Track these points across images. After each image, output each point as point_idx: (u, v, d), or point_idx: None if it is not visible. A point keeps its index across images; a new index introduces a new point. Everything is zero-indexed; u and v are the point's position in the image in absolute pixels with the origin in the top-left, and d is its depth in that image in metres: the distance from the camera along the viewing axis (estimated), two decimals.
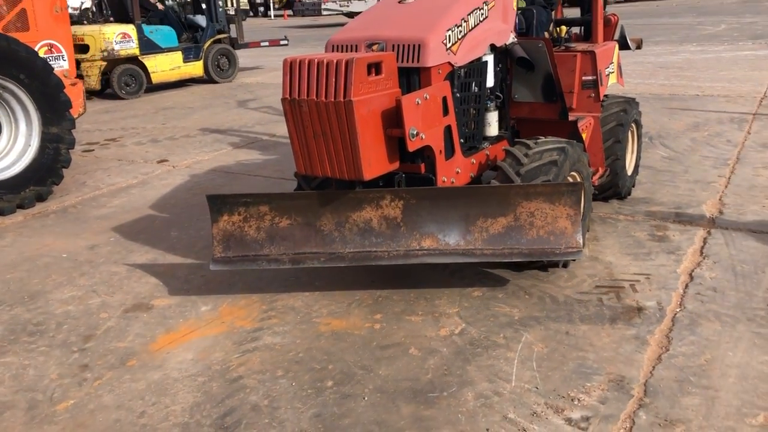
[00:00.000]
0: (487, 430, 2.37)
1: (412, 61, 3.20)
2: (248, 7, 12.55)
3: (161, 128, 8.12)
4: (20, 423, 2.56)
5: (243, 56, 12.41)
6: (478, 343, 2.92)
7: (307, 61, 2.98)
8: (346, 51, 3.31)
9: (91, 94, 10.65)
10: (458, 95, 3.44)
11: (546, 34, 4.29)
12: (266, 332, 3.13)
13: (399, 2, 3.55)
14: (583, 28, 4.71)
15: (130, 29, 10.36)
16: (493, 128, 3.77)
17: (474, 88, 3.57)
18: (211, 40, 11.52)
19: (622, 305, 3.19)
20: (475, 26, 3.46)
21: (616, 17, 4.71)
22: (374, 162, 3.03)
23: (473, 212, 3.16)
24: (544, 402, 2.50)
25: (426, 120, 3.14)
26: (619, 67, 4.66)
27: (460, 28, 3.34)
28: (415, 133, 3.06)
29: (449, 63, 3.31)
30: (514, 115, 3.99)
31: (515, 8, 3.82)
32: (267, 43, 13.22)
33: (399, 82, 3.15)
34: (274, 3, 33.58)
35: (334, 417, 2.49)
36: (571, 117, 3.92)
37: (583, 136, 3.94)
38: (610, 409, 2.44)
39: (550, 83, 3.78)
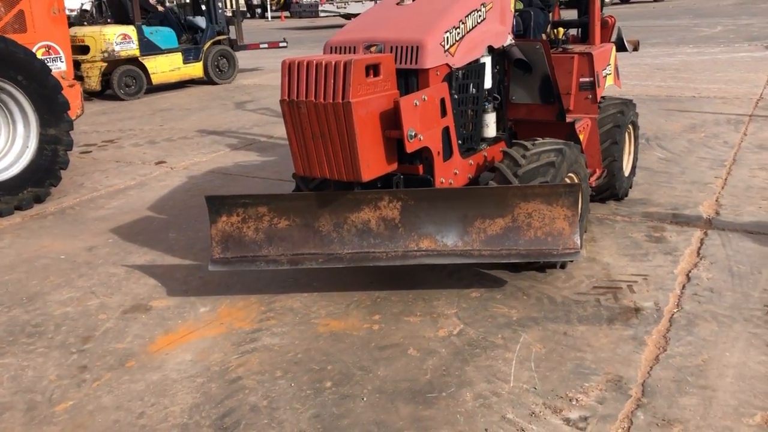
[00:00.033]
0: (486, 430, 2.38)
1: (411, 63, 3.21)
2: (245, 9, 12.55)
3: (159, 130, 8.12)
4: (19, 424, 2.56)
5: (241, 58, 12.43)
6: (476, 344, 2.93)
7: (305, 63, 2.99)
8: (345, 53, 3.32)
9: (91, 95, 10.71)
10: (456, 97, 3.45)
11: (543, 36, 4.30)
12: (265, 333, 3.13)
13: (397, 4, 3.57)
14: (580, 29, 4.72)
15: (130, 30, 10.39)
16: (490, 130, 3.78)
17: (472, 89, 3.58)
18: (211, 41, 11.54)
19: (620, 306, 3.20)
20: (472, 28, 3.47)
21: (613, 19, 4.73)
22: (373, 163, 3.04)
23: (471, 213, 3.17)
24: (543, 402, 2.51)
25: (424, 121, 3.15)
26: (616, 68, 4.68)
27: (458, 29, 3.35)
28: (413, 134, 3.07)
29: (447, 65, 3.32)
30: (511, 116, 4.01)
31: (513, 10, 3.84)
32: (266, 45, 13.25)
33: (397, 83, 3.16)
34: (271, 4, 33.58)
35: (333, 417, 2.50)
36: (569, 118, 3.94)
37: (581, 137, 3.96)
38: (608, 409, 2.45)
39: (548, 85, 3.79)
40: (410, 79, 3.26)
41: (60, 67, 5.99)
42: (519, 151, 3.44)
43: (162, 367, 2.90)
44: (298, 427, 2.46)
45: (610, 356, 2.79)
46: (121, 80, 10.40)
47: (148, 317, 3.36)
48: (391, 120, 3.06)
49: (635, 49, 5.27)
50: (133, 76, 10.57)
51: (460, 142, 3.51)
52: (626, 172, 4.60)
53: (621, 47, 4.82)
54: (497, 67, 3.79)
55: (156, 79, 10.84)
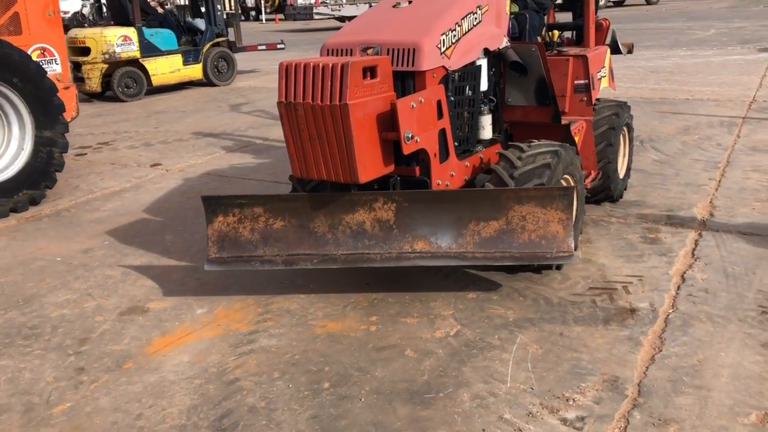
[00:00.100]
0: (483, 430, 2.39)
1: (407, 65, 3.22)
2: (240, 11, 12.57)
3: (154, 132, 8.11)
4: (17, 426, 2.56)
5: (238, 60, 12.44)
6: (473, 345, 2.94)
7: (302, 65, 3.00)
8: (342, 55, 3.33)
9: (91, 96, 10.75)
10: (452, 99, 3.46)
11: (539, 39, 4.33)
12: (262, 335, 3.14)
13: (393, 6, 3.58)
14: (575, 32, 4.75)
15: (131, 32, 10.41)
16: (486, 131, 3.80)
17: (468, 91, 3.60)
18: (210, 43, 11.58)
19: (615, 307, 3.22)
20: (468, 30, 3.49)
21: (607, 22, 4.76)
22: (369, 165, 3.06)
23: (465, 215, 3.18)
24: (540, 402, 2.53)
25: (421, 123, 3.17)
26: (611, 71, 4.71)
27: (454, 32, 3.37)
28: (410, 136, 3.08)
29: (443, 67, 3.34)
30: (507, 118, 4.03)
31: (508, 13, 3.86)
32: (264, 47, 13.30)
33: (394, 85, 3.17)
34: (265, 7, 33.56)
35: (331, 418, 2.50)
36: (564, 120, 3.96)
37: (576, 139, 3.98)
38: (604, 409, 2.47)
39: (543, 87, 3.81)
40: (407, 82, 3.27)
41: (55, 69, 5.98)
42: (515, 153, 3.45)
43: (159, 368, 2.90)
44: (297, 427, 2.46)
45: (606, 356, 2.80)
46: (122, 82, 10.43)
47: (145, 319, 3.36)
48: (388, 122, 3.07)
49: (629, 51, 5.29)
50: (134, 77, 10.61)
51: (456, 144, 3.53)
52: (621, 173, 4.63)
53: (615, 50, 4.84)
54: (493, 69, 3.81)
55: (156, 81, 10.88)
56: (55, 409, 2.65)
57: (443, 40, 3.30)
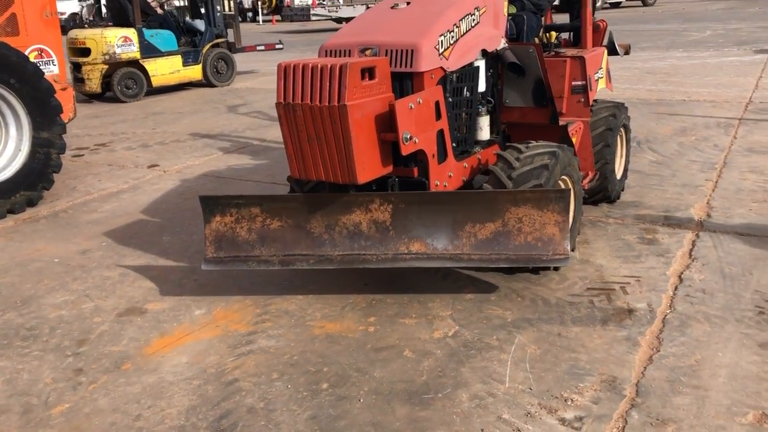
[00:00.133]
0: (482, 430, 2.40)
1: (405, 66, 3.23)
2: (238, 13, 12.56)
3: (151, 133, 8.11)
4: (15, 427, 2.56)
5: (236, 61, 12.45)
6: (471, 345, 2.95)
7: (301, 66, 3.01)
8: (340, 56, 3.33)
9: (91, 97, 10.77)
10: (450, 100, 3.47)
11: (536, 40, 4.34)
12: (261, 335, 3.14)
13: (392, 8, 3.59)
14: (572, 33, 4.76)
15: (131, 33, 10.43)
16: (484, 132, 3.80)
17: (466, 92, 3.60)
18: (210, 44, 11.60)
19: (613, 307, 3.23)
20: (467, 32, 3.50)
21: (604, 23, 4.77)
22: (368, 166, 3.06)
23: (461, 217, 3.18)
24: (538, 402, 2.53)
25: (419, 124, 3.17)
26: (608, 72, 4.72)
27: (452, 33, 3.38)
28: (408, 137, 3.09)
29: (442, 68, 3.34)
30: (505, 119, 4.04)
31: (506, 14, 3.87)
32: (263, 47, 13.35)
33: (392, 86, 3.18)
34: (262, 8, 33.56)
35: (330, 419, 2.51)
36: (562, 121, 3.97)
37: (573, 140, 3.99)
38: (602, 409, 2.48)
39: (541, 88, 3.82)
40: (405, 83, 3.28)
41: (52, 70, 5.98)
42: (513, 153, 3.46)
43: (158, 369, 2.90)
44: (295, 428, 2.47)
45: (604, 357, 2.81)
46: (122, 82, 10.45)
47: (143, 320, 3.36)
48: (387, 123, 3.08)
49: (626, 53, 5.31)
50: (134, 78, 10.63)
51: (454, 144, 3.53)
52: (618, 174, 4.64)
53: (612, 51, 4.86)
54: (491, 70, 3.82)
55: (156, 82, 10.90)
56: (54, 410, 2.64)
57: (441, 41, 3.30)
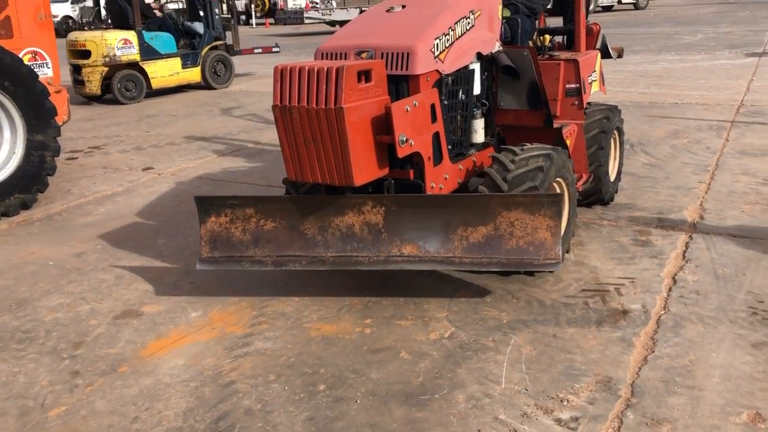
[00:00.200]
0: (479, 431, 2.41)
1: (401, 69, 3.24)
2: (232, 15, 12.56)
3: (145, 136, 8.10)
4: (12, 430, 2.55)
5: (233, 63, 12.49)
6: (467, 347, 2.96)
7: (297, 69, 3.02)
8: (336, 59, 3.35)
9: (91, 99, 10.79)
10: (446, 102, 3.49)
11: (530, 43, 4.36)
12: (257, 337, 3.15)
13: (387, 11, 3.61)
14: (565, 37, 4.79)
15: (131, 35, 10.46)
16: (479, 135, 3.83)
17: (461, 95, 3.62)
18: (208, 46, 11.63)
19: (608, 308, 3.25)
20: (462, 35, 3.52)
21: (597, 26, 4.80)
22: (364, 168, 3.07)
23: (454, 221, 3.19)
24: (534, 403, 2.55)
25: (415, 127, 3.19)
26: (601, 75, 4.75)
27: (447, 36, 3.40)
28: (404, 139, 3.10)
29: (437, 71, 3.36)
30: (499, 122, 4.06)
31: (500, 17, 3.89)
32: (260, 50, 13.43)
33: (388, 89, 3.19)
34: (255, 11, 33.53)
35: (327, 420, 2.52)
36: (556, 124, 3.99)
37: (568, 142, 4.01)
38: (598, 409, 2.50)
39: (535, 91, 3.85)
40: (401, 85, 3.29)
41: (47, 73, 5.97)
42: (508, 156, 3.48)
43: (155, 371, 2.90)
44: (293, 429, 2.47)
45: (600, 357, 2.83)
46: (122, 84, 10.47)
47: (139, 322, 3.36)
48: (383, 125, 3.09)
49: (619, 56, 5.34)
50: (134, 80, 10.66)
51: (449, 147, 3.55)
52: (612, 177, 4.67)
53: (606, 54, 4.89)
54: (485, 73, 3.84)
55: (156, 84, 10.94)
56: (51, 413, 2.64)
57: (437, 44, 3.32)
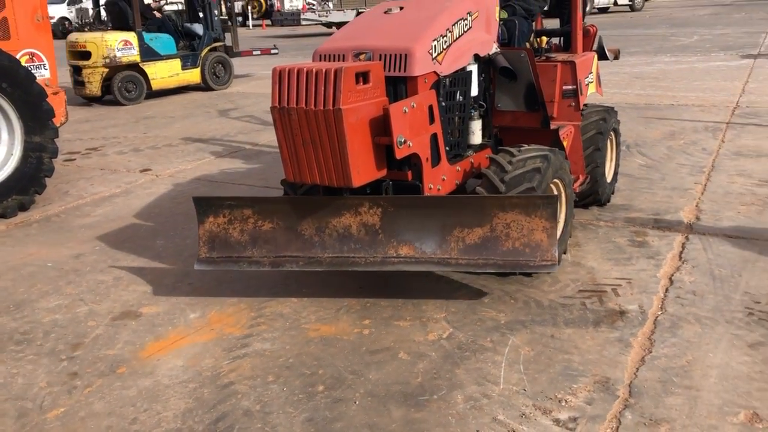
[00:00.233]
0: (478, 431, 2.42)
1: (399, 71, 3.25)
2: (226, 17, 12.58)
3: (143, 137, 8.10)
4: (10, 431, 2.55)
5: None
6: (465, 347, 2.97)
7: (296, 70, 3.03)
8: (334, 60, 3.36)
9: (91, 100, 10.81)
10: (444, 104, 3.50)
11: (527, 45, 4.38)
12: (256, 338, 3.15)
13: (385, 12, 3.62)
14: (562, 38, 4.81)
15: (131, 36, 10.48)
16: (477, 136, 3.84)
17: (459, 97, 3.63)
18: (208, 48, 11.65)
19: (605, 309, 3.26)
20: (459, 36, 3.53)
21: (594, 28, 4.82)
22: (363, 169, 3.08)
23: (450, 222, 3.20)
24: (532, 403, 2.56)
25: (413, 128, 3.20)
26: (598, 76, 4.77)
27: (445, 38, 3.41)
28: (402, 140, 3.11)
29: (435, 72, 3.37)
30: (497, 123, 4.07)
31: (498, 19, 3.90)
32: (259, 52, 13.48)
33: (386, 91, 3.20)
34: (252, 13, 33.54)
35: (326, 421, 2.52)
36: (553, 125, 4.01)
37: (564, 144, 4.03)
38: (596, 409, 2.51)
39: (532, 92, 3.86)
40: (399, 87, 3.30)
41: (44, 74, 5.97)
42: (505, 157, 3.49)
43: (153, 373, 2.91)
44: (292, 430, 2.48)
45: (597, 358, 2.84)
46: (122, 86, 10.50)
47: (137, 324, 3.36)
48: (381, 127, 3.10)
49: (616, 57, 5.36)
50: (134, 81, 10.69)
51: (447, 148, 3.56)
52: (608, 178, 4.68)
53: (602, 56, 4.91)
54: (483, 75, 3.85)
55: (156, 85, 10.96)
56: (49, 414, 2.64)
57: (435, 45, 3.33)
